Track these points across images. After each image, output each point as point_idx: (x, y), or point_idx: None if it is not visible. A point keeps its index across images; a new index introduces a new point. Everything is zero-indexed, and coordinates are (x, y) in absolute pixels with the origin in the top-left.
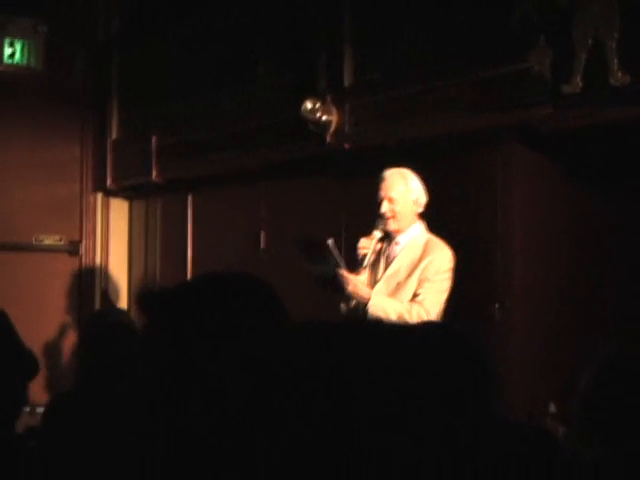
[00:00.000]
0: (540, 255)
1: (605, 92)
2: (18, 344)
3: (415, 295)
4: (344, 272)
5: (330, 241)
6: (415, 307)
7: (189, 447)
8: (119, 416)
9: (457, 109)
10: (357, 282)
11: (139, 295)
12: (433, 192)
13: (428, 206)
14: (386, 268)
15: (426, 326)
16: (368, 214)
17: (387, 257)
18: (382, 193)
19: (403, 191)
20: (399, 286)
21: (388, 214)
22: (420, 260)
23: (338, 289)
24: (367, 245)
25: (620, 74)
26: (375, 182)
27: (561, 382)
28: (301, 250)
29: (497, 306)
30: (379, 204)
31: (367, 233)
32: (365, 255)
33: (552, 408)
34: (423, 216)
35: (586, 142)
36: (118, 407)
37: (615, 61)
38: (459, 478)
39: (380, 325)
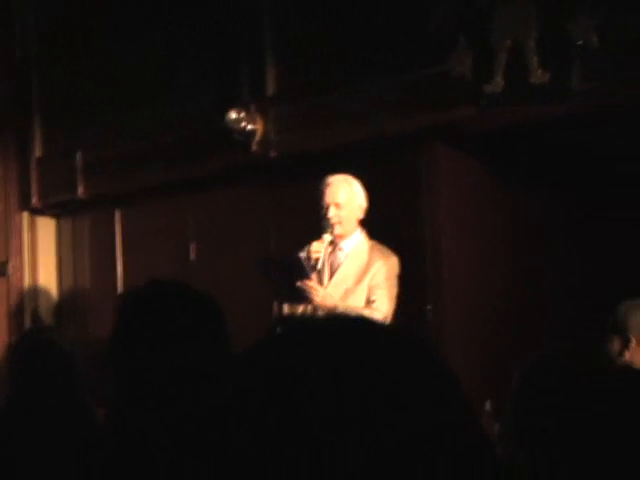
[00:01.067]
0: (470, 255)
1: (526, 90)
2: None
3: (370, 302)
4: (310, 283)
5: (302, 254)
6: (376, 314)
7: (128, 456)
8: (51, 432)
9: (380, 113)
10: (324, 292)
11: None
12: None
13: None
14: (331, 274)
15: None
16: (296, 221)
17: (332, 263)
18: (328, 199)
19: (349, 196)
20: (347, 292)
21: (334, 220)
22: (368, 267)
23: (304, 299)
24: (319, 249)
25: (540, 72)
26: (303, 188)
27: (497, 380)
28: (269, 270)
29: (428, 307)
30: (325, 210)
31: (296, 239)
32: (318, 259)
33: (487, 406)
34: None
35: (509, 141)
36: (49, 423)
37: (535, 60)
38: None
39: (330, 322)
